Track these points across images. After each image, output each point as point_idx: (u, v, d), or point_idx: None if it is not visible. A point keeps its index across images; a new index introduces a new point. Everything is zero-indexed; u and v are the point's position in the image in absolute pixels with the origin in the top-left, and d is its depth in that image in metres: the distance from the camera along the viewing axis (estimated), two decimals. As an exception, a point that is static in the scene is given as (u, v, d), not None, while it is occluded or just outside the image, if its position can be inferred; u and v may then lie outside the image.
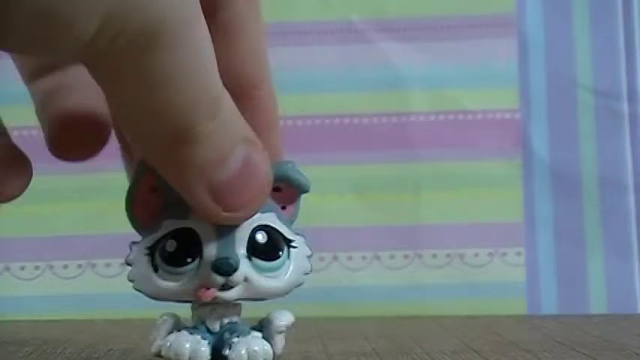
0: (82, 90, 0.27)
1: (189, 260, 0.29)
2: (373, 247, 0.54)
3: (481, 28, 0.55)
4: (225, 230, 0.28)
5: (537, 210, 0.54)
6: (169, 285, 0.29)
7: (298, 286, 0.30)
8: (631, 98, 0.55)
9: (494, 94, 0.55)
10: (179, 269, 0.29)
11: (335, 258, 0.54)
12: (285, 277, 0.30)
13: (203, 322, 0.30)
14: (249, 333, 0.30)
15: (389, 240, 0.53)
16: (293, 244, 0.30)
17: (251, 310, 0.31)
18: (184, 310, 0.31)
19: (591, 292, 0.54)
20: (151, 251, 0.29)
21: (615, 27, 0.55)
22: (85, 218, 0.54)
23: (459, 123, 0.55)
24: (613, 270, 0.54)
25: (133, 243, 0.30)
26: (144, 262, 0.30)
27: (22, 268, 0.54)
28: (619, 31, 0.55)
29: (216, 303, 0.29)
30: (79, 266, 0.54)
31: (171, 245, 0.29)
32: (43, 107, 0.27)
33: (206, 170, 0.23)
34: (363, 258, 0.54)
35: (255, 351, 0.29)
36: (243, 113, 0.24)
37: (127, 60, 0.20)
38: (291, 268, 0.30)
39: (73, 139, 0.27)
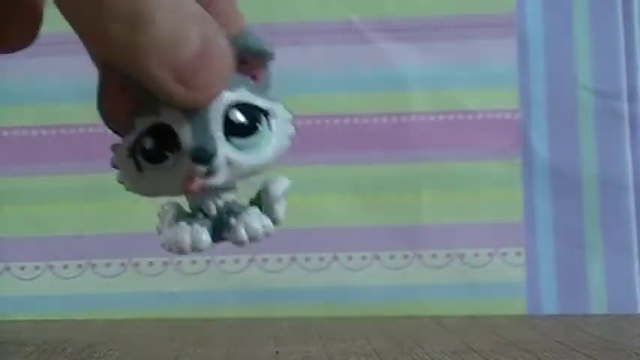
0: None
1: (168, 154, 0.28)
2: (373, 247, 0.54)
3: (481, 28, 0.55)
4: (197, 117, 0.28)
5: (537, 210, 0.54)
6: (157, 182, 0.29)
7: (285, 151, 0.30)
8: (631, 98, 0.55)
9: (494, 94, 0.55)
10: (161, 165, 0.29)
11: (335, 258, 0.54)
12: (269, 148, 0.29)
13: (200, 208, 0.30)
14: (245, 210, 0.29)
15: (389, 240, 0.53)
16: (271, 112, 0.30)
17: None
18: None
19: (591, 292, 0.54)
20: (132, 152, 0.29)
21: (615, 27, 0.55)
22: (85, 218, 0.54)
23: (459, 123, 0.55)
24: (613, 270, 0.54)
25: (115, 145, 0.30)
26: (128, 163, 0.29)
27: (22, 268, 0.54)
28: (619, 31, 0.55)
29: (207, 188, 0.29)
30: (79, 266, 0.54)
31: (148, 143, 0.29)
32: None
33: (164, 51, 0.22)
34: (363, 258, 0.54)
35: (254, 229, 0.29)
36: None
37: None
38: (273, 137, 0.29)
39: (5, 29, 0.27)
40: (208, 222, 0.29)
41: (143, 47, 0.22)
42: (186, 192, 0.29)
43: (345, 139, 0.54)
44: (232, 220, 0.29)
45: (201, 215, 0.30)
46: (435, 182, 0.54)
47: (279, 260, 0.53)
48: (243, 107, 0.29)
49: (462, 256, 0.54)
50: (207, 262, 0.52)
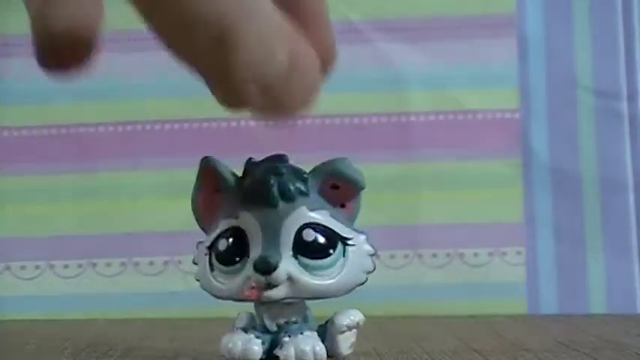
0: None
1: (237, 259, 0.29)
2: (373, 247, 0.54)
3: (481, 28, 0.55)
4: (271, 228, 0.28)
5: (537, 210, 0.54)
6: (222, 284, 0.29)
7: (360, 285, 0.30)
8: (631, 98, 0.55)
9: (494, 94, 0.55)
10: (229, 268, 0.29)
11: (335, 258, 0.54)
12: (338, 276, 0.29)
13: (262, 322, 0.30)
14: (301, 333, 0.29)
15: (389, 240, 0.53)
16: (350, 242, 0.30)
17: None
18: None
19: (591, 292, 0.54)
20: (209, 250, 0.30)
21: (615, 27, 0.55)
22: (85, 218, 0.54)
23: (459, 123, 0.55)
24: (613, 270, 0.54)
25: (199, 242, 0.31)
26: (204, 261, 0.30)
27: (23, 267, 0.54)
28: (619, 31, 0.55)
29: (270, 302, 0.29)
30: (79, 266, 0.54)
31: (222, 245, 0.29)
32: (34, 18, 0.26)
33: (249, 73, 0.22)
34: (363, 258, 0.54)
35: (303, 351, 0.29)
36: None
37: None
38: (346, 266, 0.29)
39: (61, 52, 0.26)
40: (266, 336, 0.29)
41: (231, 67, 0.22)
42: (244, 299, 0.29)
43: (345, 139, 0.54)
44: (286, 339, 0.29)
45: (262, 328, 0.30)
46: (435, 182, 0.54)
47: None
48: (321, 229, 0.29)
49: (461, 255, 0.54)
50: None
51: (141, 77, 0.54)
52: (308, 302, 0.31)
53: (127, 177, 0.53)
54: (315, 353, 0.29)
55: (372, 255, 0.30)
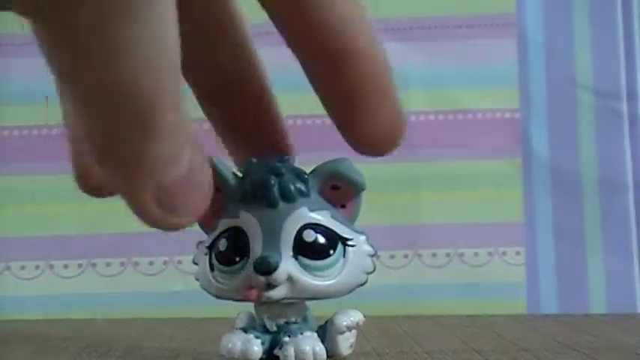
0: None
1: (237, 259, 0.29)
2: (373, 247, 0.54)
3: (481, 28, 0.55)
4: (271, 229, 0.28)
5: (537, 210, 0.54)
6: (222, 284, 0.29)
7: (360, 285, 0.30)
8: (631, 98, 0.55)
9: (494, 94, 0.55)
10: (229, 268, 0.29)
11: (335, 258, 0.54)
12: (338, 276, 0.29)
13: (262, 322, 0.30)
14: (301, 333, 0.29)
15: (389, 240, 0.53)
16: (350, 242, 0.30)
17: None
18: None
19: (591, 292, 0.54)
20: (210, 250, 0.30)
21: (615, 27, 0.55)
22: (85, 218, 0.54)
23: (459, 123, 0.55)
24: (613, 270, 0.54)
25: (199, 242, 0.30)
26: (204, 261, 0.30)
27: (23, 267, 0.54)
28: (619, 31, 0.55)
29: (270, 302, 0.29)
30: (79, 266, 0.54)
31: (222, 244, 0.29)
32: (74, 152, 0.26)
33: (157, 169, 0.20)
34: (363, 258, 0.54)
35: (303, 351, 0.29)
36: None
37: (88, 16, 0.17)
38: (346, 267, 0.29)
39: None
40: (265, 336, 0.29)
41: (140, 157, 0.20)
42: (244, 299, 0.29)
43: (345, 139, 0.54)
44: (286, 339, 0.29)
45: (261, 328, 0.30)
46: (435, 182, 0.54)
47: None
48: (321, 230, 0.29)
49: (461, 255, 0.54)
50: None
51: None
52: (308, 302, 0.31)
53: None
54: (315, 353, 0.29)
55: (372, 256, 0.30)
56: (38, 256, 0.54)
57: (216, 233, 0.30)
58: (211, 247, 0.30)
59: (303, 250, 0.28)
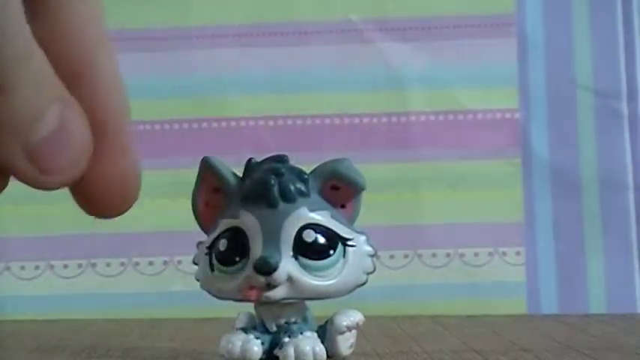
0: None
1: (237, 259, 0.29)
2: (373, 247, 0.54)
3: (481, 28, 0.55)
4: (271, 229, 0.28)
5: (537, 210, 0.54)
6: (222, 284, 0.29)
7: (360, 285, 0.30)
8: (631, 98, 0.55)
9: (494, 94, 0.55)
10: (229, 268, 0.29)
11: (335, 258, 0.54)
12: (338, 277, 0.29)
13: (262, 322, 0.30)
14: (301, 333, 0.29)
15: (389, 240, 0.53)
16: (350, 242, 0.29)
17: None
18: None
19: (591, 292, 0.54)
20: (210, 250, 0.30)
21: (615, 27, 0.55)
22: (85, 218, 0.54)
23: (459, 123, 0.55)
24: (613, 270, 0.54)
25: (199, 243, 0.30)
26: (204, 261, 0.30)
27: (22, 268, 0.54)
28: (619, 31, 0.55)
29: (270, 302, 0.29)
30: (79, 266, 0.54)
31: (222, 245, 0.29)
32: None
33: (19, 128, 0.20)
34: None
35: (303, 351, 0.29)
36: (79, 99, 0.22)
37: None
38: (346, 267, 0.29)
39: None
40: (265, 336, 0.29)
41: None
42: (244, 299, 0.29)
43: (345, 139, 0.54)
44: (286, 339, 0.29)
45: (262, 328, 0.30)
46: (435, 182, 0.54)
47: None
48: (321, 230, 0.29)
49: (461, 255, 0.54)
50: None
51: (141, 77, 0.54)
52: (308, 302, 0.31)
53: None
54: (314, 354, 0.29)
55: (372, 256, 0.30)
56: (38, 256, 0.54)
57: (216, 233, 0.30)
58: (211, 247, 0.30)
59: (303, 250, 0.28)
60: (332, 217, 0.29)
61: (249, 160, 0.31)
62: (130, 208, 0.22)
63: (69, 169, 0.22)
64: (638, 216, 0.54)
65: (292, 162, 0.31)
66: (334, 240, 0.29)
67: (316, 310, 0.32)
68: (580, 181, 0.54)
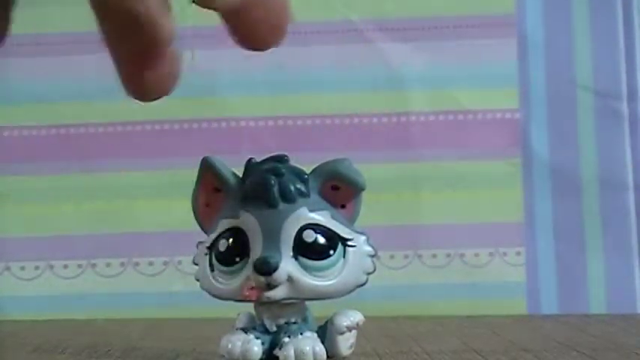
0: None
1: (237, 259, 0.29)
2: (373, 247, 0.54)
3: (481, 28, 0.55)
4: (271, 229, 0.28)
5: (537, 210, 0.54)
6: (222, 284, 0.29)
7: (360, 286, 0.30)
8: (631, 98, 0.55)
9: (494, 94, 0.55)
10: (229, 268, 0.29)
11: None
12: (339, 277, 0.29)
13: (262, 322, 0.30)
14: (301, 333, 0.29)
15: (389, 240, 0.53)
16: (350, 242, 0.29)
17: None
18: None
19: (591, 292, 0.54)
20: (210, 251, 0.30)
21: (615, 27, 0.55)
22: (85, 218, 0.54)
23: (459, 123, 0.55)
24: (613, 270, 0.54)
25: (200, 243, 0.30)
26: (204, 261, 0.30)
27: (22, 268, 0.54)
28: (619, 31, 0.55)
29: (270, 303, 0.29)
30: (79, 266, 0.54)
31: (222, 245, 0.29)
32: None
33: None
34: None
35: (303, 351, 0.29)
36: None
37: None
38: (346, 267, 0.29)
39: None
40: (265, 336, 0.29)
41: None
42: (244, 299, 0.29)
43: (345, 139, 0.54)
44: (285, 339, 0.29)
45: (261, 328, 0.30)
46: (435, 182, 0.54)
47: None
48: (321, 230, 0.29)
49: (462, 256, 0.54)
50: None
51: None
52: (308, 303, 0.31)
53: (126, 177, 0.53)
54: (314, 354, 0.29)
55: (372, 256, 0.30)
56: (38, 256, 0.54)
57: (216, 233, 0.30)
58: (211, 247, 0.30)
59: (303, 250, 0.28)
60: (332, 217, 0.29)
61: (249, 160, 0.31)
62: (279, 41, 0.22)
63: (268, 32, 0.21)
64: (638, 216, 0.54)
65: (292, 162, 0.31)
66: (334, 240, 0.29)
67: (316, 310, 0.32)
68: (580, 181, 0.54)
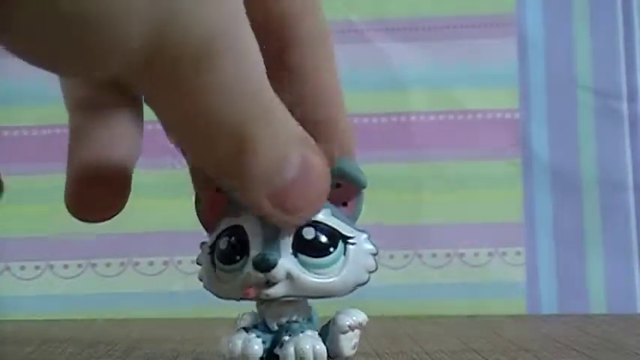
0: (113, 134, 0.27)
1: (238, 258, 0.29)
2: (373, 247, 0.54)
3: (481, 28, 0.55)
4: (271, 227, 0.28)
5: (537, 210, 0.54)
6: (224, 283, 0.29)
7: (361, 284, 0.30)
8: (631, 98, 0.55)
9: (494, 94, 0.55)
10: (230, 267, 0.29)
11: (335, 258, 0.54)
12: (339, 275, 0.29)
13: (264, 321, 0.30)
14: (302, 332, 0.29)
15: (389, 240, 0.53)
16: (351, 240, 0.29)
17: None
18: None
19: (591, 292, 0.54)
20: (212, 250, 0.30)
21: (615, 27, 0.55)
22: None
23: (459, 123, 0.55)
24: (613, 270, 0.54)
25: (202, 243, 0.30)
26: (207, 261, 0.30)
27: (22, 268, 0.54)
28: (619, 31, 0.55)
29: (271, 301, 0.29)
30: (79, 266, 0.54)
31: (223, 243, 0.29)
32: (69, 151, 0.27)
33: (264, 178, 0.23)
34: (363, 258, 0.54)
35: (303, 349, 0.29)
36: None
37: (177, 72, 0.19)
38: (346, 265, 0.29)
39: (91, 198, 0.27)
40: (267, 335, 0.29)
41: (244, 172, 0.22)
42: (244, 297, 0.29)
43: (345, 139, 0.54)
44: (286, 338, 0.29)
45: (262, 327, 0.30)
46: (435, 182, 0.54)
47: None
48: (321, 228, 0.29)
49: (461, 255, 0.54)
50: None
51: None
52: (311, 302, 0.31)
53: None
54: (315, 352, 0.29)
55: (374, 254, 0.30)
56: (38, 256, 0.54)
57: (217, 233, 0.30)
58: (213, 246, 0.30)
59: (303, 247, 0.28)
60: (333, 214, 0.29)
61: None
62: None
63: (311, 206, 0.24)
64: (638, 216, 0.54)
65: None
66: (335, 238, 0.29)
67: (319, 310, 0.32)
68: (580, 181, 0.54)
